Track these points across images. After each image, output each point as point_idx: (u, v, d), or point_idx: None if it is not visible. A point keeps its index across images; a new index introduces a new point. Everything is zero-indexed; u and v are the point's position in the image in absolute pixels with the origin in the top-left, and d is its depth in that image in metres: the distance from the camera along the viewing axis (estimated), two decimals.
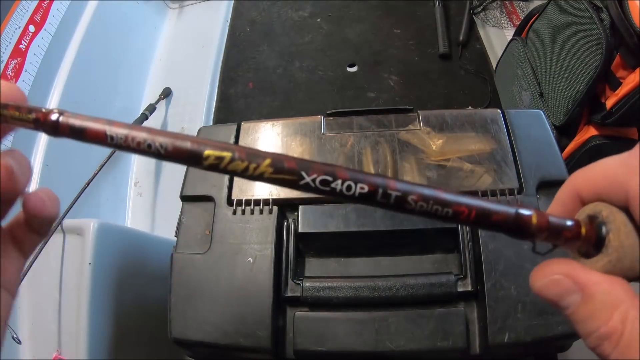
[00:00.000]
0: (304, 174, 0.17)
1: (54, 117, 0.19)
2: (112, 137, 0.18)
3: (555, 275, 0.19)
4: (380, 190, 0.17)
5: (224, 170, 0.17)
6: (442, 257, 0.57)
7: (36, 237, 0.23)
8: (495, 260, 0.52)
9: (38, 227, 0.22)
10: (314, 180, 0.17)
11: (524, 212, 0.18)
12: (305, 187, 0.17)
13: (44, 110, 0.19)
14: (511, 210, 0.18)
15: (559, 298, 0.19)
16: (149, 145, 0.18)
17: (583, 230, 0.19)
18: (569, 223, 0.19)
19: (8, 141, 0.90)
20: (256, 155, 0.17)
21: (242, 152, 0.17)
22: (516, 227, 0.18)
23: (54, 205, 0.22)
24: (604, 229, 0.18)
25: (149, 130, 0.18)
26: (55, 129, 0.19)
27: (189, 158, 0.18)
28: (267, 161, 0.17)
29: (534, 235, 0.18)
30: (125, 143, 0.18)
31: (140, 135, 0.18)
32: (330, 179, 0.17)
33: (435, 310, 0.51)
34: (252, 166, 0.17)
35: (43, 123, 0.19)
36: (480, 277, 0.52)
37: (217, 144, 0.17)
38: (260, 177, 0.17)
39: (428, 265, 0.56)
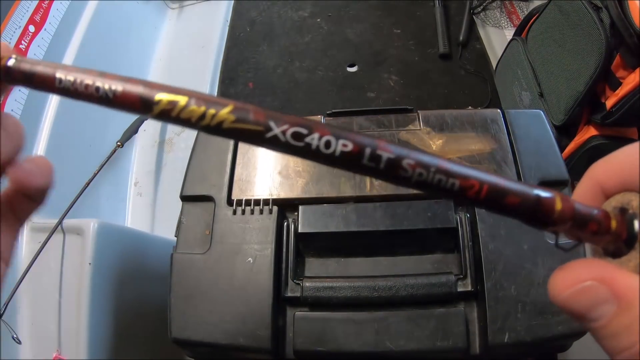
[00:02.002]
0: (272, 124, 0.14)
1: (9, 62, 0.17)
2: (60, 80, 0.16)
3: (588, 282, 0.15)
4: (368, 150, 0.14)
5: (177, 119, 0.15)
6: (442, 257, 0.57)
7: (33, 204, 0.21)
8: (495, 260, 0.52)
9: (32, 195, 0.21)
10: (284, 133, 0.14)
11: (546, 194, 0.15)
12: (273, 142, 0.14)
13: (1, 54, 0.17)
14: (531, 191, 0.15)
15: (588, 310, 0.15)
16: (97, 89, 0.16)
17: (613, 223, 0.16)
18: (597, 213, 0.16)
19: None
20: (216, 101, 0.15)
21: (200, 98, 0.15)
22: (535, 213, 0.15)
23: (43, 175, 0.20)
24: (637, 223, 0.16)
25: (102, 73, 0.16)
26: (9, 75, 0.17)
27: (140, 104, 0.15)
28: (229, 107, 0.14)
29: (556, 224, 0.15)
30: (73, 87, 0.16)
31: (89, 78, 0.16)
32: (304, 131, 0.14)
33: (435, 310, 0.51)
34: (209, 112, 0.15)
35: None
36: (480, 277, 0.52)
37: (172, 88, 0.15)
38: (218, 129, 0.15)
39: (428, 265, 0.56)
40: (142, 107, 0.15)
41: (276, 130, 0.14)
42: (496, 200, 0.14)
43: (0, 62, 0.17)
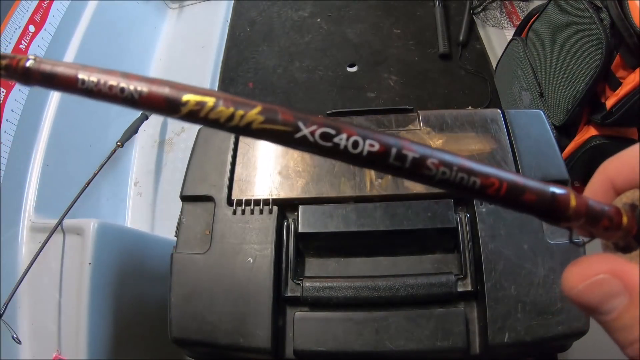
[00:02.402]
0: (301, 124, 0.14)
1: (27, 63, 0.17)
2: (83, 82, 0.16)
3: (600, 275, 0.16)
4: (394, 151, 0.14)
5: (205, 120, 0.15)
6: (442, 257, 0.57)
7: None
8: (495, 260, 0.52)
9: None
10: (312, 134, 0.14)
11: (561, 191, 0.15)
12: (302, 142, 0.14)
13: (17, 57, 0.17)
14: (547, 188, 0.15)
15: (600, 303, 0.16)
16: (122, 90, 0.16)
17: (624, 219, 0.16)
18: (609, 209, 0.16)
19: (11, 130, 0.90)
20: (244, 102, 0.15)
21: (228, 99, 0.15)
22: (551, 210, 0.15)
23: None
24: None
25: (125, 74, 0.16)
26: (27, 76, 0.17)
27: (166, 105, 0.15)
28: (257, 109, 0.14)
29: (570, 220, 0.16)
30: (97, 88, 0.16)
31: (113, 79, 0.16)
32: (333, 132, 0.14)
33: (435, 310, 0.51)
34: (238, 114, 0.14)
35: (14, 70, 0.17)
36: (480, 277, 0.52)
37: (199, 89, 0.15)
38: (247, 129, 0.15)
39: (428, 265, 0.56)
40: (169, 108, 0.15)
41: (305, 131, 0.14)
42: (514, 198, 0.15)
43: (19, 63, 0.17)
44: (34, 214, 0.89)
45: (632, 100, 0.85)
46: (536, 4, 1.36)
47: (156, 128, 1.44)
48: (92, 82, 0.16)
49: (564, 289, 0.17)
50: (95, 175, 0.96)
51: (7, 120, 0.91)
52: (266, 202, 0.58)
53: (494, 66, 1.40)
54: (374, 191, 0.58)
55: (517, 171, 0.58)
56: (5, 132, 0.90)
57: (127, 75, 0.16)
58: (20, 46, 0.99)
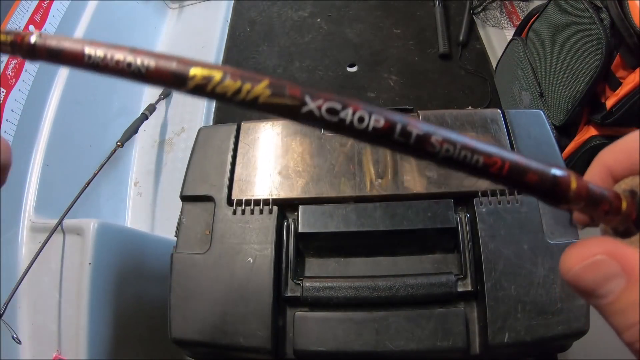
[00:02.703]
0: (307, 99, 0.15)
1: (32, 39, 0.17)
2: (89, 56, 0.16)
3: (598, 256, 0.16)
4: (399, 127, 0.15)
5: (211, 93, 0.15)
6: (442, 257, 0.57)
7: None
8: (495, 260, 0.52)
9: None
10: (319, 108, 0.15)
11: (562, 173, 0.16)
12: (308, 117, 0.15)
13: (21, 33, 0.18)
14: (549, 170, 0.16)
15: (598, 284, 0.16)
16: (129, 64, 0.16)
17: (624, 204, 0.17)
18: (609, 193, 0.17)
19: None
20: (252, 76, 0.15)
21: (236, 73, 0.15)
22: (552, 191, 0.16)
23: (3, 153, 0.20)
24: None
25: (131, 49, 0.16)
26: (32, 52, 0.17)
27: (173, 79, 0.15)
28: (265, 82, 0.15)
29: (571, 202, 0.16)
30: (104, 62, 0.16)
31: (120, 54, 0.16)
32: (339, 106, 0.15)
33: (435, 310, 0.51)
34: (245, 87, 0.15)
35: (20, 46, 0.17)
36: (480, 277, 0.52)
37: (207, 64, 0.15)
38: (253, 103, 0.15)
39: (428, 265, 0.56)
40: (176, 81, 0.15)
41: (311, 105, 0.15)
42: (516, 178, 0.15)
43: (24, 39, 0.17)
44: (34, 214, 0.89)
45: (632, 100, 0.85)
46: (536, 4, 1.36)
47: (156, 128, 1.44)
48: (99, 57, 0.16)
49: (562, 272, 0.17)
50: (95, 175, 0.96)
51: (7, 120, 0.91)
52: (266, 202, 0.58)
53: (494, 66, 1.40)
54: (374, 191, 0.58)
55: None
56: (5, 132, 0.90)
57: (134, 50, 0.16)
58: None
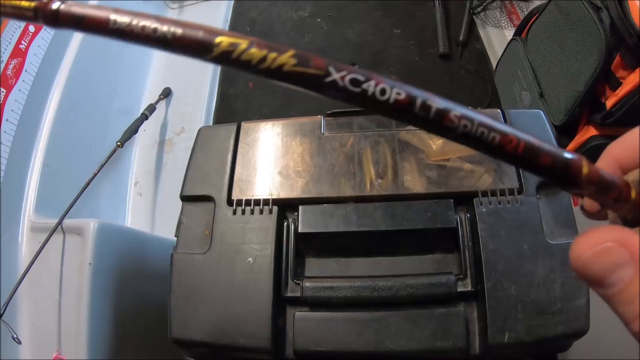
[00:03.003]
0: (331, 69, 0.15)
1: (54, 5, 0.17)
2: (115, 22, 0.16)
3: (608, 243, 0.16)
4: (419, 101, 0.15)
5: (237, 61, 0.15)
6: (442, 257, 0.57)
7: None
8: (495, 260, 0.52)
9: None
10: (342, 79, 0.15)
11: (574, 157, 0.16)
12: (331, 86, 0.15)
13: (43, 0, 0.18)
14: (562, 153, 0.16)
15: (607, 273, 0.16)
16: (155, 30, 0.16)
17: (633, 193, 0.17)
18: (619, 181, 0.17)
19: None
20: (277, 46, 0.15)
21: (262, 42, 0.15)
22: (564, 174, 0.16)
23: None
24: None
25: (158, 17, 0.16)
26: (56, 18, 0.17)
27: (199, 45, 0.15)
28: (290, 52, 0.15)
29: (582, 187, 0.16)
30: (129, 28, 0.16)
31: (145, 20, 0.16)
32: (362, 78, 0.15)
33: (435, 310, 0.51)
34: (271, 56, 0.15)
35: (43, 11, 0.17)
36: (480, 277, 0.52)
37: (233, 33, 0.15)
38: (278, 72, 0.15)
39: (428, 265, 0.56)
40: (202, 48, 0.15)
41: (335, 75, 0.15)
42: (531, 158, 0.15)
43: (47, 6, 0.17)
44: (34, 214, 0.89)
45: (632, 100, 0.85)
46: (536, 4, 1.36)
47: (156, 128, 1.44)
48: (124, 22, 0.16)
49: (571, 260, 0.17)
50: (95, 175, 0.96)
51: (7, 120, 0.91)
52: (266, 202, 0.58)
53: (494, 66, 1.40)
54: (374, 191, 0.58)
55: (517, 171, 0.58)
56: (5, 132, 0.90)
57: (160, 18, 0.16)
58: (20, 46, 0.99)
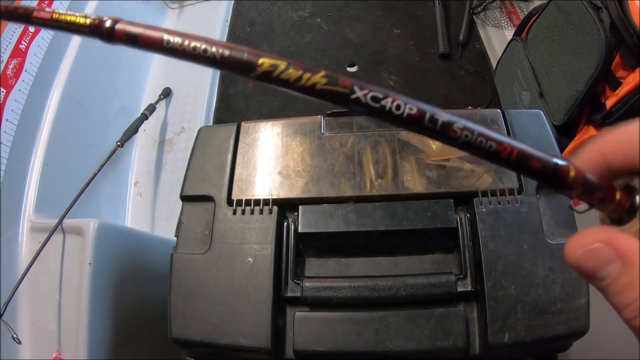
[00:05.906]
0: (356, 88, 0.18)
1: (108, 23, 0.20)
2: (168, 41, 0.18)
3: (596, 243, 0.18)
4: (428, 114, 0.18)
5: (276, 79, 0.17)
6: (442, 257, 0.57)
7: None
8: (495, 260, 0.52)
9: None
10: (365, 96, 0.17)
11: (562, 163, 0.18)
12: (355, 102, 0.18)
13: (99, 17, 0.20)
14: (551, 159, 0.18)
15: (597, 269, 0.18)
16: (205, 50, 0.18)
17: (618, 195, 0.19)
18: (604, 184, 0.19)
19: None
20: (310, 67, 0.18)
21: (298, 64, 0.18)
22: (553, 177, 0.18)
23: None
24: (638, 198, 0.19)
25: (207, 39, 0.18)
26: (111, 35, 0.20)
27: (244, 65, 0.18)
28: (322, 73, 0.17)
29: (570, 188, 0.18)
30: (181, 47, 0.18)
31: (196, 42, 0.18)
32: (381, 96, 0.17)
33: (435, 310, 0.51)
34: (306, 76, 0.17)
35: (99, 29, 0.20)
36: (480, 277, 0.52)
37: (272, 55, 0.18)
38: (311, 89, 0.18)
39: (428, 265, 0.56)
40: (246, 68, 0.18)
41: (359, 93, 0.18)
42: (523, 163, 0.18)
43: (102, 24, 0.19)
44: (34, 214, 0.89)
45: (632, 100, 0.85)
46: (536, 4, 1.36)
47: (156, 128, 1.44)
48: (177, 42, 0.18)
49: (566, 257, 0.19)
50: (95, 175, 0.96)
51: (7, 120, 0.91)
52: (266, 202, 0.58)
53: (494, 66, 1.40)
54: (374, 191, 0.58)
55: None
56: (5, 132, 0.90)
57: (208, 40, 0.18)
58: (20, 46, 0.99)
